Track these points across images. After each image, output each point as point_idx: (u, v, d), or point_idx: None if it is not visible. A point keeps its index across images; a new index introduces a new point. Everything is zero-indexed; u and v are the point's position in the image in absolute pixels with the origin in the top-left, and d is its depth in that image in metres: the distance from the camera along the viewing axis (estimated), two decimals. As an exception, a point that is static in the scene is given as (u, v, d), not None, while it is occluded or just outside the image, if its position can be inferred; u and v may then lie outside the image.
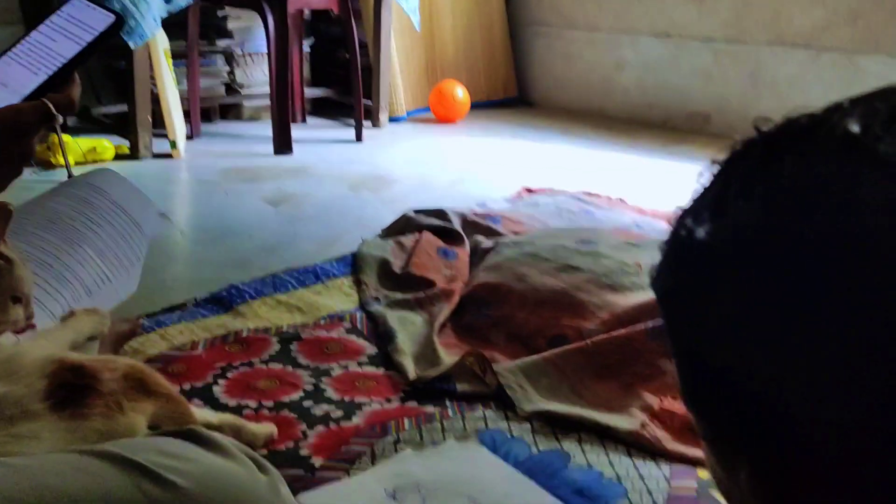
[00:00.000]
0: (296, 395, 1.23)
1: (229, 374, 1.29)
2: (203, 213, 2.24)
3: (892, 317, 0.28)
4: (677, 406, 1.20)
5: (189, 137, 2.77)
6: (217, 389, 1.25)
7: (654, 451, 1.12)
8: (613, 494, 1.03)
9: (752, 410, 0.32)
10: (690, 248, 0.35)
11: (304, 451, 1.09)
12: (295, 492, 0.99)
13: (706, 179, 0.36)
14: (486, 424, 1.18)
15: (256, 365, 1.32)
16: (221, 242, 1.92)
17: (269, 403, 1.21)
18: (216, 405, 1.20)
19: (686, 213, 0.36)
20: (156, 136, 2.63)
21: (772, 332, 0.31)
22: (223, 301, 1.53)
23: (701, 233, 0.34)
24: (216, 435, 0.74)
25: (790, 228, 0.31)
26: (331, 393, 1.25)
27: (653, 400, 1.20)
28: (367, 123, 3.02)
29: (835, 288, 0.29)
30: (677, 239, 0.36)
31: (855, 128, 0.31)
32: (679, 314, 0.36)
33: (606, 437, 1.15)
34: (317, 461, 1.08)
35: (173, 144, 2.62)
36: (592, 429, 1.16)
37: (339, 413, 1.19)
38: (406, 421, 1.17)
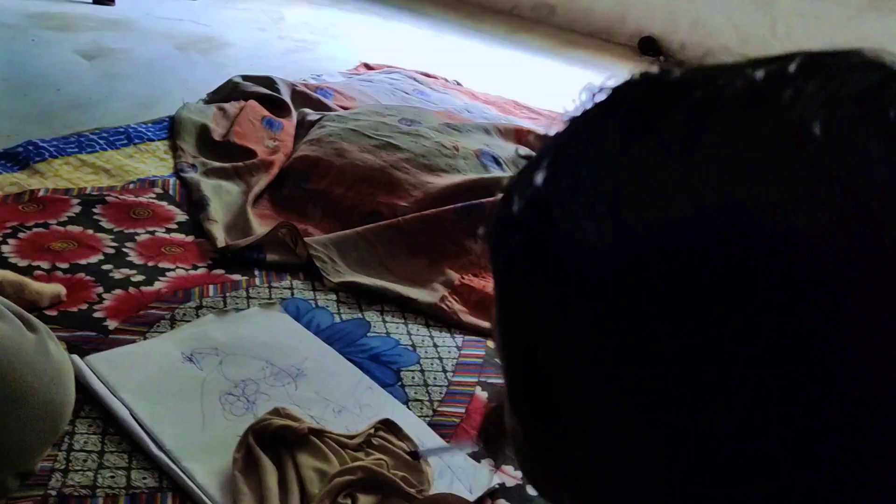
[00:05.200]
0: (94, 258, 1.19)
1: (21, 235, 1.22)
2: (3, 59, 2.02)
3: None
4: (476, 282, 1.28)
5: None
6: (7, 248, 1.18)
7: (450, 323, 1.19)
8: (407, 361, 1.10)
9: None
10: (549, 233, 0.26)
11: (98, 314, 1.07)
12: (84, 354, 0.98)
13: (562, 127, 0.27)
14: (293, 294, 1.20)
15: (53, 226, 1.25)
16: (23, 94, 1.75)
17: (64, 265, 1.16)
18: (4, 265, 1.14)
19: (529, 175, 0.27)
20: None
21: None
22: (18, 158, 1.42)
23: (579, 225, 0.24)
24: (-23, 291, 0.71)
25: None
26: (133, 257, 1.21)
27: (454, 276, 1.27)
28: (202, -21, 2.80)
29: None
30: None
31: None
32: (517, 297, 0.28)
33: (408, 308, 1.20)
34: (111, 324, 1.06)
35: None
36: (395, 301, 1.21)
37: (140, 277, 1.17)
38: (211, 288, 1.17)
